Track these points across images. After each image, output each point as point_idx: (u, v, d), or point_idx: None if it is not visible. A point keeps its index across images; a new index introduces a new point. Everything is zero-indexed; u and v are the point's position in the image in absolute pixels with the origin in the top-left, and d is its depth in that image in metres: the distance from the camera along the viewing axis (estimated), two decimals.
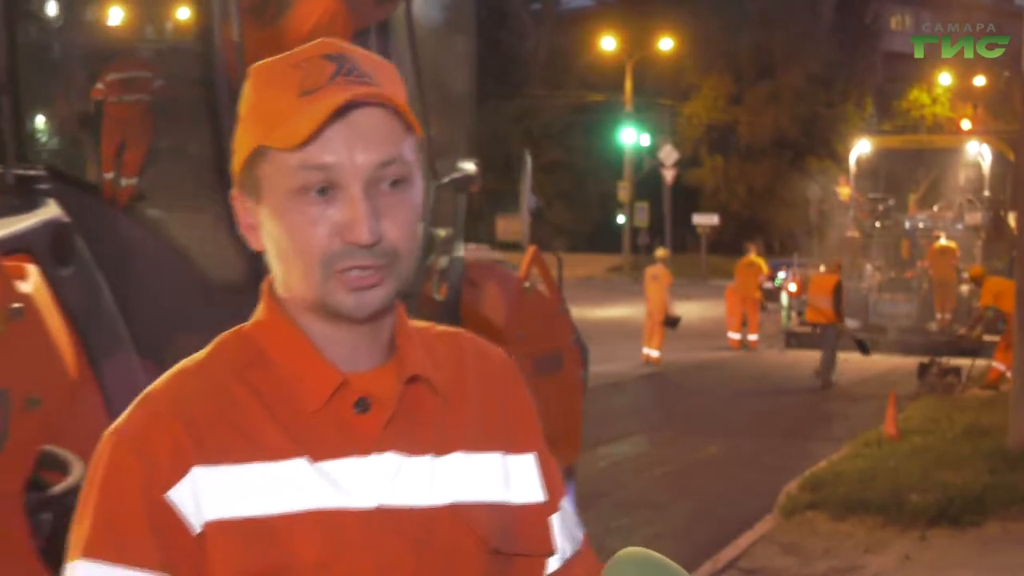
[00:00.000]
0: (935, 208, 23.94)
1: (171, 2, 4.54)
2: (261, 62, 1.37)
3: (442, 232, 4.91)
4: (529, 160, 5.38)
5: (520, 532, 1.43)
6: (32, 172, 3.58)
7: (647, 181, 43.13)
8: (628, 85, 43.52)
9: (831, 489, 9.00)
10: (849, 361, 17.68)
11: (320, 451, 1.32)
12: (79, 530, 1.30)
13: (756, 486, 9.73)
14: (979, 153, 23.56)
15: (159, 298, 3.70)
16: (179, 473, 1.29)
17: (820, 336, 16.85)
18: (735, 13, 48.21)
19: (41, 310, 3.08)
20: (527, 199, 5.40)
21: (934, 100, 48.70)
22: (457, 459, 1.40)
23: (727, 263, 21.87)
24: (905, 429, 11.44)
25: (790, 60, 48.63)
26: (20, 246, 3.22)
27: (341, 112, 1.30)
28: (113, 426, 1.34)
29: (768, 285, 22.73)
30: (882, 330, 19.71)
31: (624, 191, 42.57)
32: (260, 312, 1.40)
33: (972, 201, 23.03)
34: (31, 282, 3.11)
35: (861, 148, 24.28)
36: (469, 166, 4.89)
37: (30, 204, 3.41)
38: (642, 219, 41.53)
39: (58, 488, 2.88)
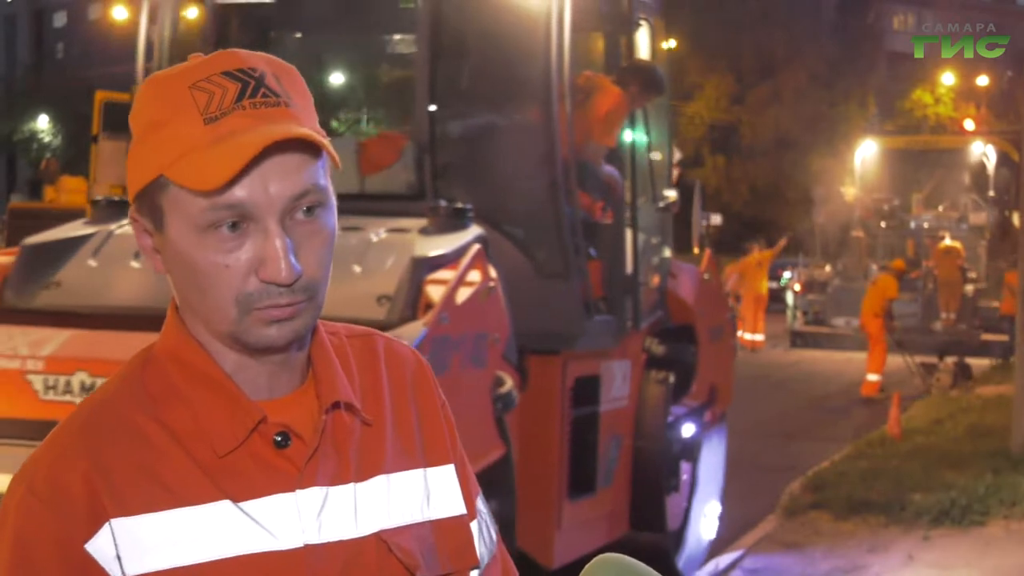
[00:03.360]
0: (940, 208, 23.89)
1: (523, 90, 5.93)
2: (157, 74, 1.27)
3: (654, 239, 6.74)
4: (699, 185, 7.42)
5: (445, 548, 1.38)
6: (460, 205, 5.11)
7: None
8: None
9: (834, 489, 8.98)
10: (852, 361, 17.65)
11: (242, 491, 1.26)
12: None
13: (758, 486, 9.71)
14: (984, 153, 23.53)
15: (510, 281, 5.12)
16: (96, 524, 1.22)
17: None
18: (736, 13, 48.16)
19: (499, 286, 4.89)
20: (698, 217, 7.20)
21: (937, 100, 48.62)
22: (378, 483, 1.34)
23: (730, 263, 21.77)
24: (908, 429, 11.42)
25: (792, 60, 48.57)
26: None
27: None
28: (22, 472, 1.25)
29: (772, 285, 22.66)
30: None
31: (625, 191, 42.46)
32: (168, 337, 1.31)
33: (977, 201, 23.01)
34: (493, 269, 4.89)
35: (866, 148, 24.27)
36: (672, 193, 6.92)
37: (460, 225, 4.98)
38: None
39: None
